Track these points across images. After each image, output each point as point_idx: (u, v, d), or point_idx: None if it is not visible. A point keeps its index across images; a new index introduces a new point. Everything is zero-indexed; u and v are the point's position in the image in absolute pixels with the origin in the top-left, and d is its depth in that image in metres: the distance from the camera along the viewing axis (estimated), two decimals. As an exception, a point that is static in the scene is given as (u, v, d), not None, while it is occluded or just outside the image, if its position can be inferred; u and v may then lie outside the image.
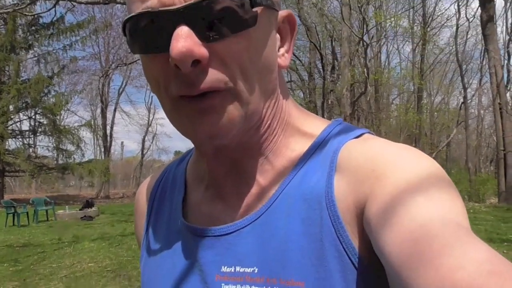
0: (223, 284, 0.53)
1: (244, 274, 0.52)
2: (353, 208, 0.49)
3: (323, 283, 0.48)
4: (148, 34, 0.47)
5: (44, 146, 25.86)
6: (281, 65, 0.56)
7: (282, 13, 0.55)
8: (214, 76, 0.47)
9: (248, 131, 0.54)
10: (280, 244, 0.51)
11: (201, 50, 0.45)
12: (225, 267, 0.54)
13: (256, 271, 0.51)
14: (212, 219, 0.58)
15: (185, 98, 0.48)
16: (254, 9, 0.48)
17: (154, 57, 0.49)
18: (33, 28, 24.04)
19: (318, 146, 0.56)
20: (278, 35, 0.56)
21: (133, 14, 0.48)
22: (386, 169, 0.48)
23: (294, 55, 24.84)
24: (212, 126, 0.48)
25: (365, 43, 18.01)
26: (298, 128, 0.59)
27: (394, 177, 0.47)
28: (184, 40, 0.44)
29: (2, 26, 22.49)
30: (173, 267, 0.58)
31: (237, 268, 0.53)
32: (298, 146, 0.57)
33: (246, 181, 0.57)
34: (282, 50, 0.57)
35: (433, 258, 0.36)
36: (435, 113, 32.69)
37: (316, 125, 0.59)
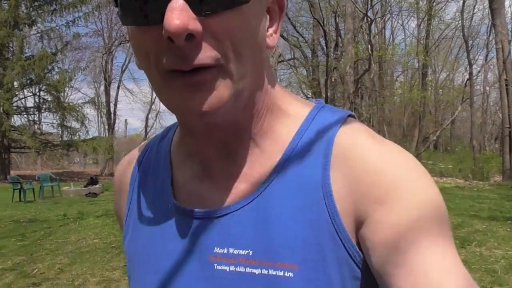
0: (216, 265, 0.54)
1: (238, 256, 0.53)
2: (351, 213, 0.51)
3: (316, 266, 0.51)
4: (142, 5, 0.46)
5: (48, 123, 25.95)
6: (269, 45, 0.55)
7: None
8: (207, 52, 0.46)
9: (236, 110, 0.53)
10: (275, 229, 0.53)
11: (195, 25, 0.45)
12: (218, 249, 0.54)
13: (250, 253, 0.53)
14: (201, 199, 0.58)
15: (176, 73, 0.47)
16: None
17: (147, 29, 0.47)
18: (35, 3, 23.81)
19: (306, 131, 0.57)
20: (267, 15, 0.55)
21: None
22: (391, 195, 0.50)
23: (297, 31, 24.56)
24: (202, 103, 0.48)
25: (369, 19, 17.73)
26: (284, 111, 0.59)
27: (399, 209, 0.49)
28: (179, 13, 0.43)
29: (5, 2, 22.27)
30: (164, 248, 0.59)
31: (231, 250, 0.54)
32: (285, 130, 0.58)
33: (236, 163, 0.57)
34: (271, 30, 0.56)
35: None
36: (440, 90, 32.44)
37: (301, 108, 0.60)
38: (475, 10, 27.64)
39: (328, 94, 22.28)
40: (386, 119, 28.49)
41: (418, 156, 20.91)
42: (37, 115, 25.99)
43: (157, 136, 0.70)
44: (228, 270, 0.53)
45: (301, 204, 0.53)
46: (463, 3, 21.30)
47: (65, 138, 25.79)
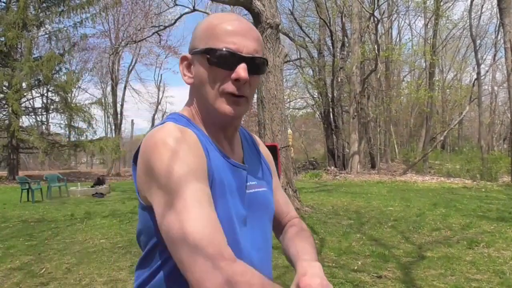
0: (247, 190, 1.06)
1: (253, 185, 1.09)
2: (269, 162, 1.25)
3: (269, 186, 1.18)
4: (225, 59, 0.96)
5: (56, 123, 26.08)
6: None
7: None
8: (246, 90, 0.99)
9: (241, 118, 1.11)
10: (258, 168, 1.17)
11: (248, 78, 0.96)
12: (248, 183, 1.08)
13: (257, 183, 1.11)
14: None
15: (230, 95, 0.97)
16: (267, 66, 1.05)
17: (222, 70, 0.97)
18: (44, 5, 23.98)
19: (240, 130, 1.18)
20: None
21: (224, 48, 0.96)
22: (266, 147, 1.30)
23: (303, 32, 24.54)
24: (237, 111, 0.99)
25: (376, 19, 17.67)
26: None
27: (268, 151, 1.31)
28: (245, 70, 0.95)
29: (14, 3, 22.45)
30: (231, 182, 1.02)
31: (251, 183, 1.08)
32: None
33: (232, 146, 1.10)
34: None
35: None
36: (447, 90, 32.24)
37: None
38: (483, 10, 27.48)
39: (335, 94, 22.23)
40: (393, 119, 28.38)
41: (425, 156, 20.81)
42: (45, 115, 26.19)
43: (181, 123, 1.00)
44: (252, 191, 1.07)
45: (257, 160, 1.19)
46: (471, 2, 21.17)
47: (72, 139, 25.95)
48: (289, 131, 14.51)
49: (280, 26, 9.24)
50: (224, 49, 0.96)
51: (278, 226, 1.27)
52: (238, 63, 0.95)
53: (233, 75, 0.95)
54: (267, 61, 1.03)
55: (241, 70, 0.94)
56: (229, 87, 0.96)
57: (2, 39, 21.60)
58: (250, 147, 1.19)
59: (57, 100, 24.75)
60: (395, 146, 28.63)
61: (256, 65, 0.99)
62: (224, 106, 0.97)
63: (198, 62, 1.01)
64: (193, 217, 0.81)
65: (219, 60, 0.96)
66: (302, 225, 1.26)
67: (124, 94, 32.95)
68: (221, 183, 0.97)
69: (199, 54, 1.00)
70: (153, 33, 20.63)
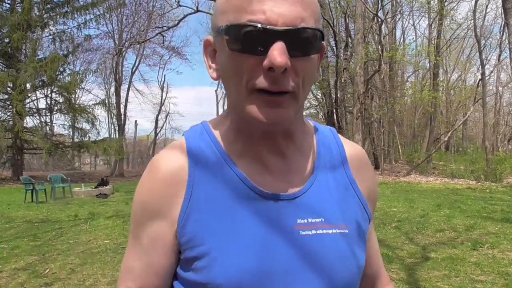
0: (300, 231, 0.72)
1: (315, 223, 0.73)
2: (366, 194, 0.83)
3: (358, 228, 0.79)
4: (251, 39, 0.63)
5: (60, 124, 26.09)
6: (315, 79, 0.75)
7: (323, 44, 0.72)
8: (289, 82, 0.65)
9: (292, 123, 0.74)
10: (333, 202, 0.77)
11: (289, 63, 0.62)
12: (300, 220, 0.73)
13: (323, 220, 0.74)
14: (269, 188, 0.74)
15: (263, 92, 0.65)
16: (322, 42, 0.69)
17: (248, 57, 0.64)
18: (48, 6, 24.08)
19: (320, 138, 0.83)
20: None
21: (247, 23, 0.63)
22: (371, 167, 0.90)
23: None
24: (277, 116, 0.66)
25: (379, 19, 17.64)
26: (303, 124, 0.82)
27: (374, 175, 0.90)
28: (282, 53, 0.61)
29: (18, 4, 22.55)
30: (255, 224, 0.71)
31: (309, 220, 0.73)
32: (307, 136, 0.82)
33: (285, 160, 0.77)
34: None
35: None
36: (452, 90, 32.13)
37: (307, 122, 0.85)
38: (488, 10, 27.37)
39: (338, 95, 22.20)
40: (397, 120, 28.31)
41: (429, 157, 20.75)
42: (49, 116, 26.28)
43: (191, 140, 0.79)
44: (311, 233, 0.72)
45: (339, 191, 0.79)
46: (476, 2, 21.09)
47: (76, 139, 26.02)
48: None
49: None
50: (247, 23, 0.63)
51: None
52: (270, 42, 0.62)
53: (265, 62, 0.62)
54: (322, 34, 0.67)
55: (276, 53, 0.61)
56: (261, 81, 0.64)
57: (7, 40, 21.71)
58: (333, 162, 0.82)
59: (61, 101, 24.83)
60: (399, 146, 28.55)
61: (302, 41, 0.64)
62: (255, 110, 0.66)
63: (220, 47, 0.70)
64: (130, 265, 0.82)
65: (241, 42, 0.64)
66: None
67: (127, 95, 32.91)
68: (220, 220, 0.71)
69: (219, 36, 0.69)
70: (157, 34, 20.71)
